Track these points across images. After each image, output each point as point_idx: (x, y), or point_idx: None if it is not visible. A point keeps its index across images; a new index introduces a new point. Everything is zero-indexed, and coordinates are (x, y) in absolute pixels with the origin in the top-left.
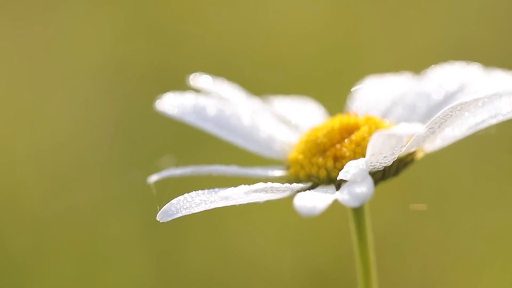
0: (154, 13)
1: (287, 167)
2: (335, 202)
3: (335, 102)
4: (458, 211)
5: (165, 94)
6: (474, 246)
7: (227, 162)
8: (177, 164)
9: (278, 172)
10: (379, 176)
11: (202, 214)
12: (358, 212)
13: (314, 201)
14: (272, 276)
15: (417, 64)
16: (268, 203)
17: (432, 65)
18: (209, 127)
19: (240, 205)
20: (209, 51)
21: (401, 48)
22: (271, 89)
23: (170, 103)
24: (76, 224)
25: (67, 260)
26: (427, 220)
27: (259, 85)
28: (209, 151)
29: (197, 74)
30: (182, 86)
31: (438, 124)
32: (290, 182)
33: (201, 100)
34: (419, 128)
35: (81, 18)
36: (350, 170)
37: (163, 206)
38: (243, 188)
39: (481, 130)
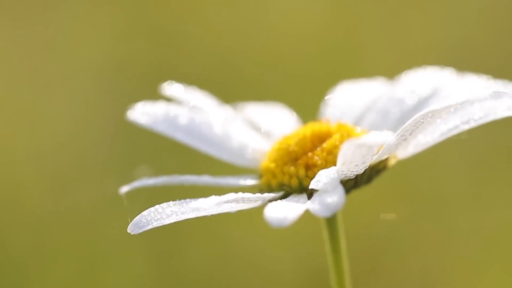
0: (154, 13)
1: (259, 176)
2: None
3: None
4: (457, 212)
5: (136, 103)
6: (474, 247)
7: (221, 166)
8: (161, 169)
9: (250, 181)
10: (351, 184)
11: None
12: (331, 220)
13: (284, 211)
14: (272, 276)
15: (417, 64)
16: None
17: (406, 70)
18: (180, 136)
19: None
20: (209, 51)
21: (401, 48)
22: (271, 89)
23: (141, 112)
24: (76, 224)
25: (67, 260)
26: (427, 221)
27: (259, 85)
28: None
29: (170, 82)
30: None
31: (409, 132)
32: (262, 191)
33: (172, 109)
34: (389, 137)
35: (81, 18)
36: (321, 179)
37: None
38: (214, 199)
39: (479, 133)
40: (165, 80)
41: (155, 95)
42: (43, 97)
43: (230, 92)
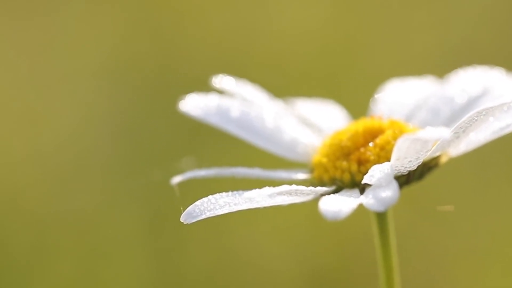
0: (155, 13)
1: (311, 170)
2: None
3: (335, 102)
4: (461, 214)
5: (188, 95)
6: (477, 248)
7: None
8: (194, 166)
9: (301, 175)
10: (403, 180)
11: None
12: (381, 215)
13: (339, 205)
14: (272, 276)
15: (418, 64)
16: None
17: (456, 69)
18: (232, 129)
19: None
20: (210, 51)
21: (402, 48)
22: (272, 89)
23: (194, 104)
24: (77, 224)
25: (67, 260)
26: (431, 222)
27: (260, 85)
28: (211, 151)
29: (220, 75)
30: (182, 86)
31: (463, 129)
32: (314, 185)
33: (224, 102)
34: (444, 133)
35: (81, 18)
36: (375, 174)
37: (186, 208)
38: (267, 190)
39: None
40: (166, 80)
41: (155, 95)
42: (43, 97)
43: None
